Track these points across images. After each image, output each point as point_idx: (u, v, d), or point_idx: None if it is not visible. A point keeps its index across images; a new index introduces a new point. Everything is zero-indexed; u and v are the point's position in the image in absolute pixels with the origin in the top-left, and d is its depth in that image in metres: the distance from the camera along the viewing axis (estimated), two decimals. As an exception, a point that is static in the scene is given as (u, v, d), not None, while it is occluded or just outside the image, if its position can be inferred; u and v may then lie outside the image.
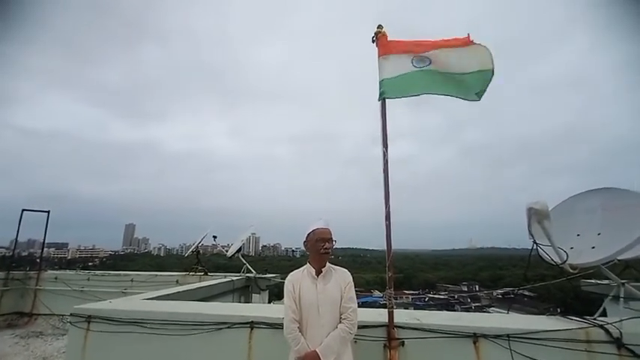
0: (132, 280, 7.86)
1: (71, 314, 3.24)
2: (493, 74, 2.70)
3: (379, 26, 3.14)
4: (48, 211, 8.37)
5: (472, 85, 2.77)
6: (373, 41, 3.12)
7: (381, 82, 2.97)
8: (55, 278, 8.08)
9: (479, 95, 2.75)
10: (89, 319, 3.17)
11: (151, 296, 4.05)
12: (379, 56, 3.06)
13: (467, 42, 2.83)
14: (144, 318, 3.08)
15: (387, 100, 2.98)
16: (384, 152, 2.83)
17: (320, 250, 2.23)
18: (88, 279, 8.07)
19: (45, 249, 9.25)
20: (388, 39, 3.08)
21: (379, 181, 2.82)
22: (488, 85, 2.72)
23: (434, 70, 2.88)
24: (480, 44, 2.80)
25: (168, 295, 4.31)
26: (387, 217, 2.72)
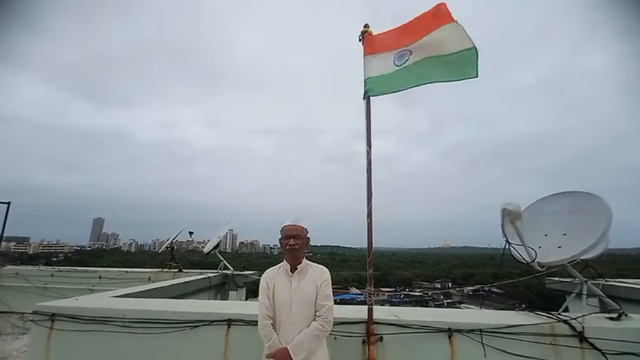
0: (100, 277, 7.49)
1: (34, 312, 3.04)
2: (477, 51, 2.52)
3: (365, 25, 3.18)
4: (8, 202, 7.82)
5: (457, 64, 2.60)
6: (360, 40, 3.14)
7: (365, 81, 3.00)
8: (16, 274, 7.58)
9: (472, 73, 2.53)
10: (53, 317, 2.99)
11: (121, 293, 3.87)
12: (364, 55, 3.09)
13: (444, 20, 2.69)
14: (113, 316, 2.93)
15: (371, 98, 3.00)
16: (367, 151, 2.85)
17: (286, 246, 2.23)
18: (52, 275, 7.62)
19: (4, 243, 8.64)
20: (374, 34, 3.10)
21: (359, 179, 2.84)
22: (477, 62, 2.51)
23: (413, 63, 2.81)
24: (453, 22, 2.66)
25: (140, 292, 4.13)
26: (369, 215, 2.75)
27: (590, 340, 2.37)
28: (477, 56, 2.52)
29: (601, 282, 4.75)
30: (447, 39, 2.67)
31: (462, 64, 2.58)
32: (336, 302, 2.32)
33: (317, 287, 2.19)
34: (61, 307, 3.06)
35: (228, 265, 7.49)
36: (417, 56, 2.82)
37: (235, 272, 7.32)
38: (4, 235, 8.15)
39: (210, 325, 2.81)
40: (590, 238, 2.99)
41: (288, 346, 2.02)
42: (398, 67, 2.90)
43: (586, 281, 3.42)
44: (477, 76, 2.52)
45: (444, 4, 2.75)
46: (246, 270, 7.74)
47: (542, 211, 3.77)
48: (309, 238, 2.35)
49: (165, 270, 7.70)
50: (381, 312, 2.81)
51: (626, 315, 2.59)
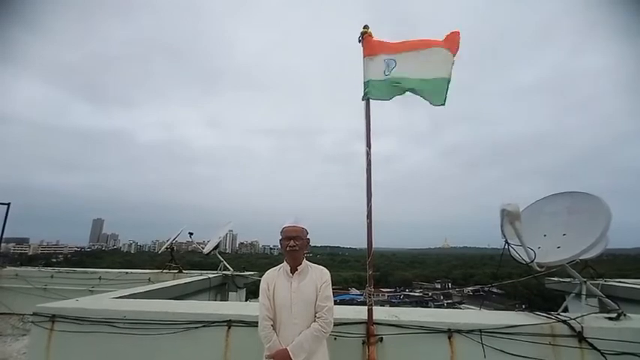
0: (100, 278, 7.47)
1: (34, 313, 3.04)
2: (449, 82, 2.75)
3: (365, 26, 3.18)
4: (8, 204, 7.81)
5: (432, 91, 2.79)
6: (359, 41, 3.14)
7: (365, 83, 3.00)
8: (16, 275, 7.56)
9: (440, 101, 2.75)
10: (53, 318, 2.99)
11: (121, 294, 3.87)
12: (364, 56, 3.09)
13: (443, 43, 2.87)
14: (114, 317, 2.94)
15: (370, 100, 3.01)
16: (367, 151, 2.86)
17: (286, 248, 2.24)
18: (52, 276, 7.60)
19: (3, 244, 8.63)
20: (374, 39, 3.11)
21: (359, 179, 2.85)
22: (447, 92, 2.74)
23: (395, 77, 2.93)
24: (445, 48, 2.84)
25: (140, 293, 4.14)
26: (369, 216, 2.76)
27: (589, 340, 2.38)
28: (448, 86, 2.72)
29: (600, 282, 4.76)
30: (432, 62, 2.83)
31: (434, 91, 2.77)
32: (336, 303, 2.32)
33: (317, 288, 2.19)
34: (61, 308, 3.06)
35: (228, 266, 7.49)
36: (399, 72, 2.92)
37: (235, 273, 7.31)
38: (4, 236, 8.13)
39: (210, 326, 2.81)
40: (589, 238, 3.00)
41: (288, 348, 2.03)
42: (385, 77, 2.96)
43: (585, 281, 3.43)
44: (444, 104, 2.73)
45: (458, 32, 2.88)
46: (246, 271, 7.73)
47: (542, 212, 3.78)
48: (309, 239, 2.36)
49: (165, 271, 7.69)
50: (381, 312, 2.81)
51: (625, 315, 2.60)
